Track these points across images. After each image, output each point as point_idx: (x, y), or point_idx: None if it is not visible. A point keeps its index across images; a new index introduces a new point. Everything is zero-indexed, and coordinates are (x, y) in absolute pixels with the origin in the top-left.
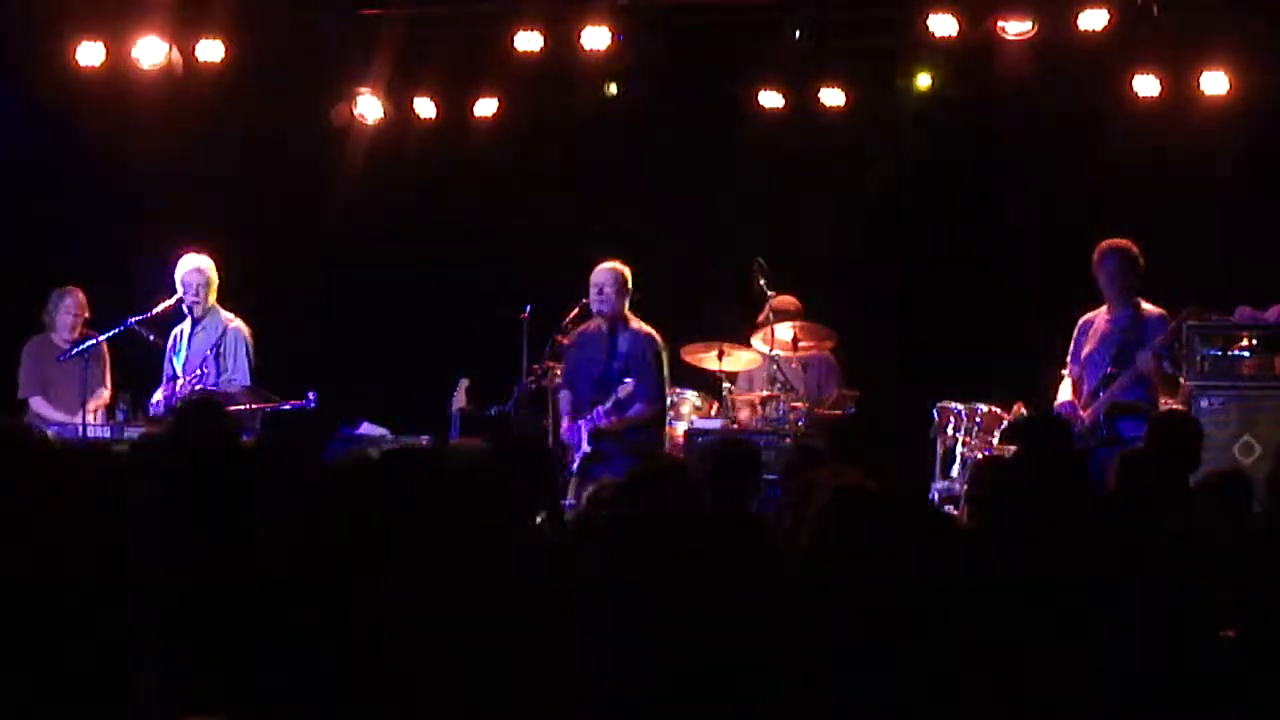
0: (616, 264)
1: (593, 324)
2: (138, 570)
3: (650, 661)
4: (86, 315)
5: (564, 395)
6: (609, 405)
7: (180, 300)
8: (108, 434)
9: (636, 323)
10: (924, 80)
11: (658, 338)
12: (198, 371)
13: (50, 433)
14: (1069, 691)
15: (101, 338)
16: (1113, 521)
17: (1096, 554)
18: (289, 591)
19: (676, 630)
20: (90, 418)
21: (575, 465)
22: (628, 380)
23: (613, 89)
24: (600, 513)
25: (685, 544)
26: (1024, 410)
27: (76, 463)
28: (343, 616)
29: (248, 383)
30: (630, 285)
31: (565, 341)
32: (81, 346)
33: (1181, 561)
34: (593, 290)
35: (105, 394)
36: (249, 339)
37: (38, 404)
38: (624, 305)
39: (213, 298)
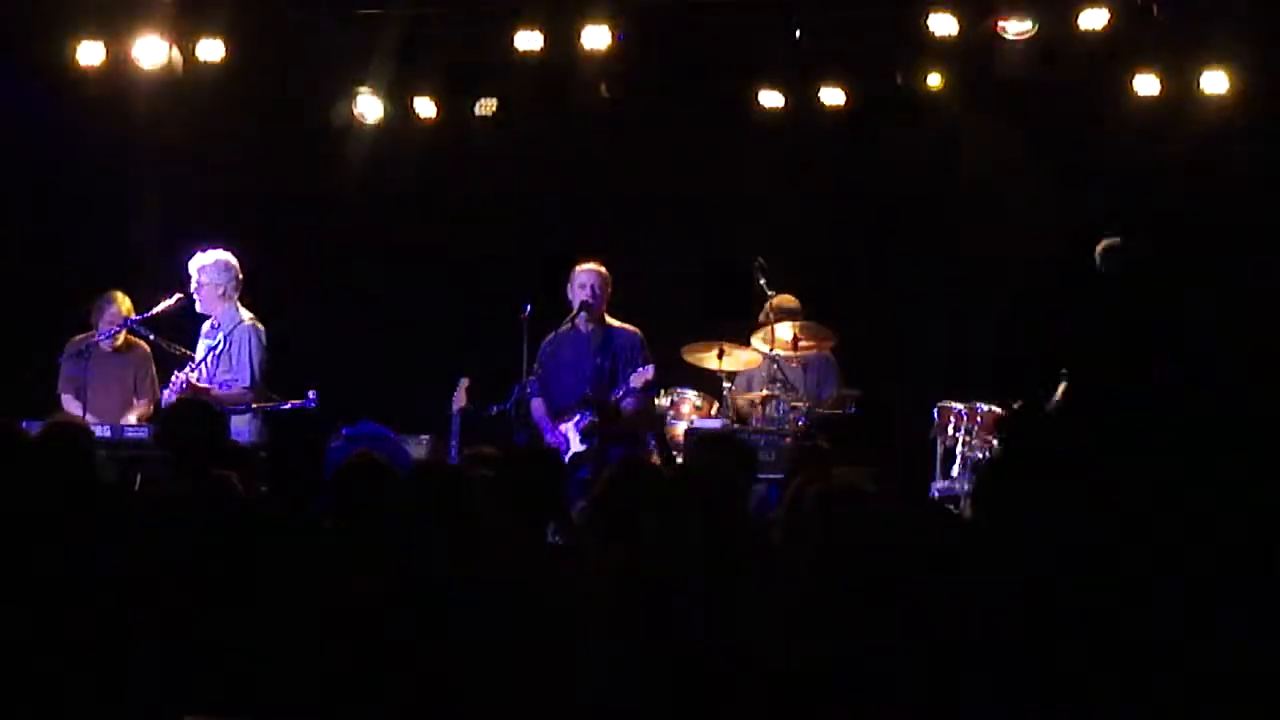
0: (598, 264)
1: (569, 325)
2: (141, 570)
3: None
4: (125, 321)
5: (537, 403)
6: (622, 392)
7: (180, 299)
8: (144, 435)
9: (618, 322)
10: (934, 79)
11: (641, 336)
12: (192, 370)
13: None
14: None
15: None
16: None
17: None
18: (290, 593)
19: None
20: (132, 419)
21: None
22: (647, 367)
23: (603, 91)
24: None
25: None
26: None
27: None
28: (344, 617)
29: (246, 383)
30: (610, 284)
31: (546, 346)
32: (80, 347)
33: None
34: (580, 290)
35: (147, 403)
36: (256, 339)
37: (68, 402)
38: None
39: (224, 295)
